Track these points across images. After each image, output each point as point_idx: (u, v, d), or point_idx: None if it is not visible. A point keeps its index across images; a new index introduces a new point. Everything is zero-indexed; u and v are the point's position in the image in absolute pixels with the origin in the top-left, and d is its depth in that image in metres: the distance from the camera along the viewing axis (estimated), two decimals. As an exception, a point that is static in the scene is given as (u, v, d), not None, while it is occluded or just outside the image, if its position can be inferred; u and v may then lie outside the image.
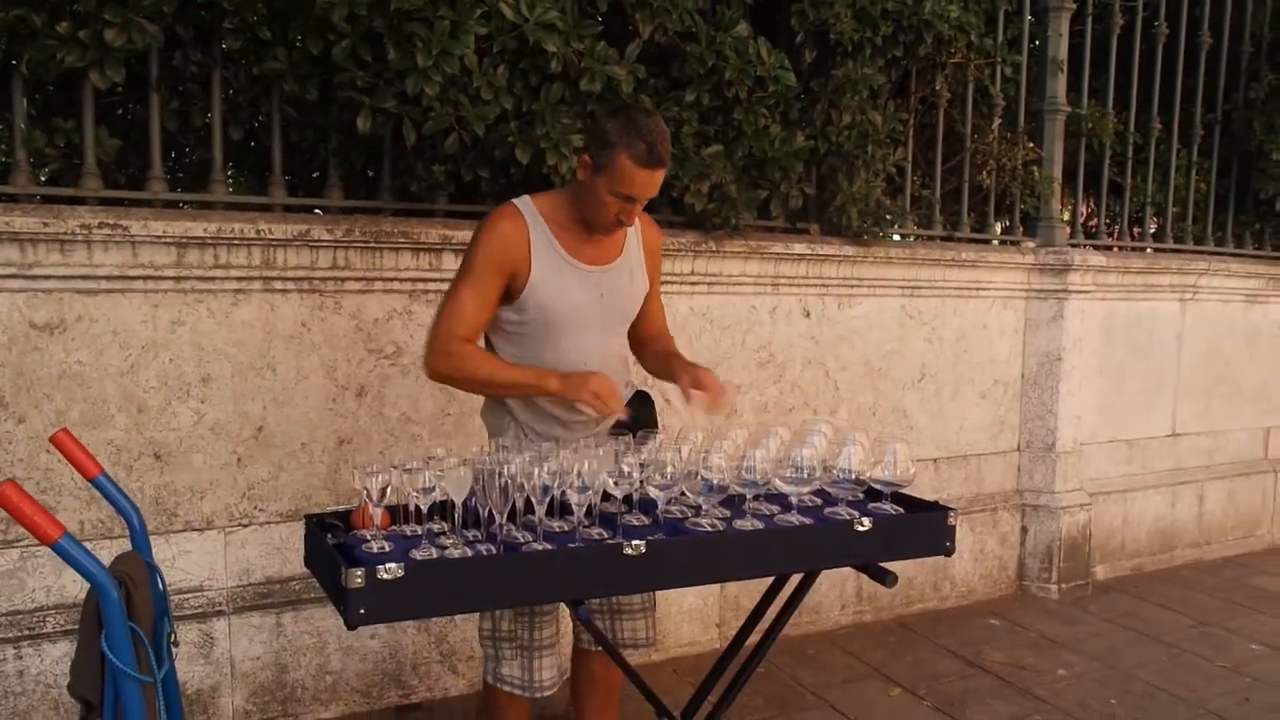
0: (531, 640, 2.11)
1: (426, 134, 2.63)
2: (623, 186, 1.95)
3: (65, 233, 2.38)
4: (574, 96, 2.76)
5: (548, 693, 2.14)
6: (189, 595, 2.64)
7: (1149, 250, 4.59)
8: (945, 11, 3.34)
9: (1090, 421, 4.28)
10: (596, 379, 1.97)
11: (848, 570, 3.58)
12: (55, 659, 2.50)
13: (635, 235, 2.19)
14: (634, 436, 1.86)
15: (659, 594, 3.23)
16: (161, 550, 2.56)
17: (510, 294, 2.05)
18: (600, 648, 2.23)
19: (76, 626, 2.48)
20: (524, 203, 2.09)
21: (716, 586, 3.40)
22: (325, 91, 2.66)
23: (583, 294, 2.08)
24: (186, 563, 2.65)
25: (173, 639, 1.75)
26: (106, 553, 2.45)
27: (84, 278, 2.45)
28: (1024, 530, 4.12)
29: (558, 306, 2.05)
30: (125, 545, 2.46)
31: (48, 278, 2.42)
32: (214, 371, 2.62)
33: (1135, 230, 4.69)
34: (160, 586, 1.74)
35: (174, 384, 2.58)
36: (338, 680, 2.84)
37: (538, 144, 2.69)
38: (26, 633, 2.47)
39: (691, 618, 3.38)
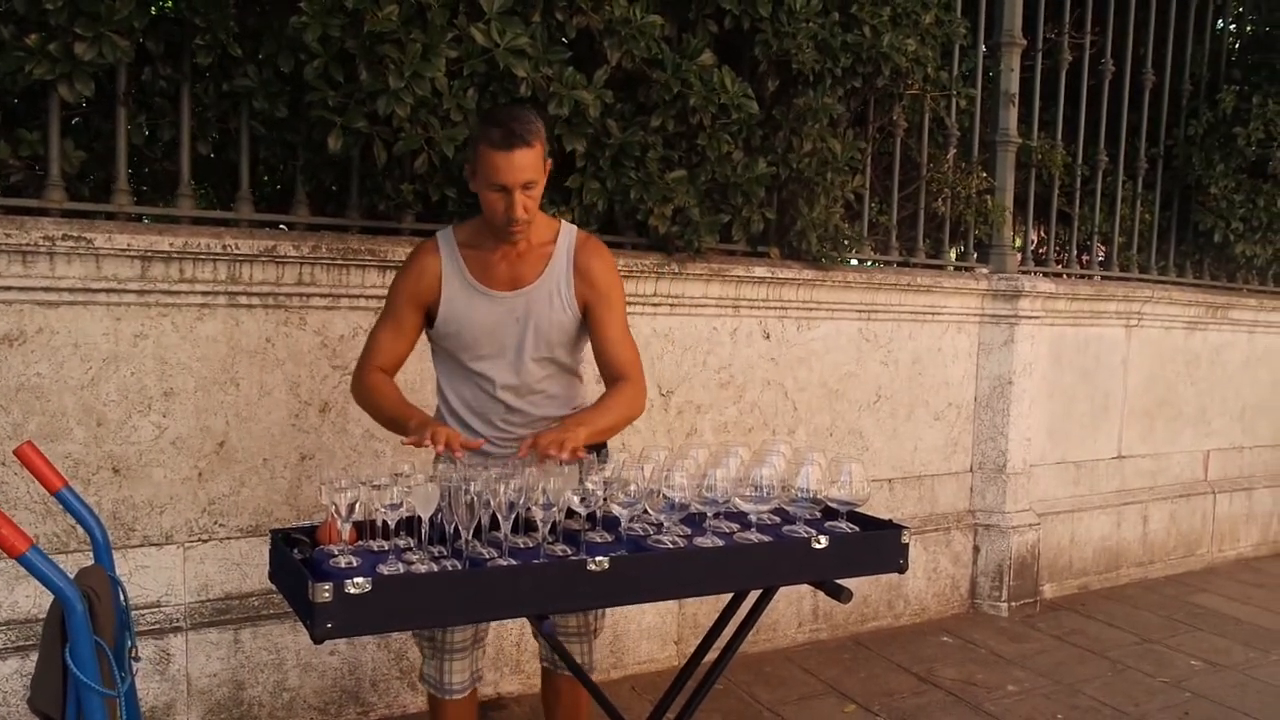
0: (443, 643, 2.16)
1: (397, 154, 2.65)
2: (490, 175, 1.96)
3: (28, 244, 2.36)
4: (542, 120, 2.81)
5: (456, 696, 2.19)
6: (146, 611, 2.62)
7: (1096, 278, 4.74)
8: (903, 45, 3.45)
9: (1039, 443, 4.40)
10: (438, 429, 1.89)
11: (804, 589, 3.65)
12: (4, 676, 2.45)
13: (565, 257, 2.13)
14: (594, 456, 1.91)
15: (618, 611, 3.28)
16: (118, 565, 2.52)
17: (431, 319, 2.15)
18: (563, 668, 2.26)
19: (26, 643, 2.45)
20: (445, 234, 2.17)
21: (674, 604, 3.43)
22: (294, 109, 2.68)
23: (491, 318, 2.10)
24: (144, 578, 2.62)
25: (134, 653, 1.75)
26: (61, 567, 2.41)
27: (46, 290, 2.43)
28: (976, 549, 4.21)
29: (463, 332, 2.12)
30: (80, 559, 2.43)
31: (8, 289, 2.40)
32: (176, 385, 2.62)
33: (1083, 258, 4.85)
34: (122, 600, 1.73)
35: (135, 397, 2.57)
36: (295, 697, 2.82)
37: (505, 165, 2.73)
38: (-23, 649, 2.43)
39: (650, 635, 3.41)
